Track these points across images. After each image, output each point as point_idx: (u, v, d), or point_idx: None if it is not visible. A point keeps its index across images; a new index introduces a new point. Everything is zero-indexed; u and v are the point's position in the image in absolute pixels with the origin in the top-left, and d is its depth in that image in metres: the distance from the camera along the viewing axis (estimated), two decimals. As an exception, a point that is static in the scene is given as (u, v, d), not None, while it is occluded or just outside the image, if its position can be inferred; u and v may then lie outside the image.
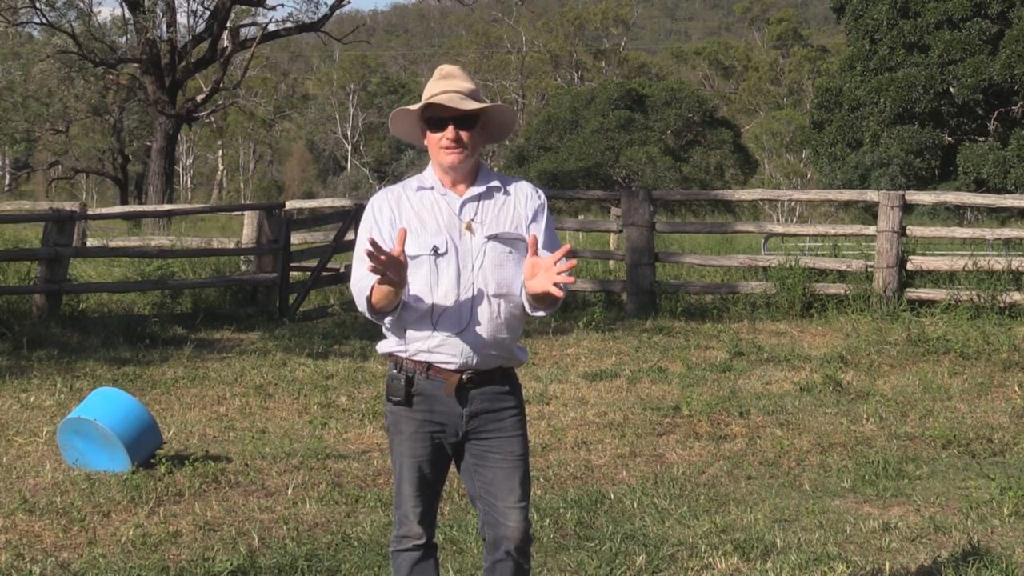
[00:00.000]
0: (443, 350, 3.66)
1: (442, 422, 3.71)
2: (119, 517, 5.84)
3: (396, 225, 3.68)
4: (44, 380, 9.31)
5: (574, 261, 3.51)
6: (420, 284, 3.64)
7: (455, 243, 3.67)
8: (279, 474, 6.61)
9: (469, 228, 3.69)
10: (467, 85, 3.71)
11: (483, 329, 3.66)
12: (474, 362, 3.67)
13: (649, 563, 5.16)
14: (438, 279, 3.65)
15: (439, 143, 3.69)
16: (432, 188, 3.73)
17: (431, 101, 3.67)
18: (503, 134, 3.87)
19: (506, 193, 3.76)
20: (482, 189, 3.73)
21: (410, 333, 3.69)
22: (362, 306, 3.66)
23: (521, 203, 3.76)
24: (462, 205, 3.71)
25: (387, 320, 3.71)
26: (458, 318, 3.65)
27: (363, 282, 3.64)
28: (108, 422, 6.55)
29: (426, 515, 3.78)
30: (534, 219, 3.75)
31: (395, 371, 3.72)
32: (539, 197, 3.79)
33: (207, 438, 7.55)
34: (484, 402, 3.71)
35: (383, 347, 3.79)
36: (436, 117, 3.69)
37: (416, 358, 3.69)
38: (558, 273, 3.47)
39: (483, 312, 3.66)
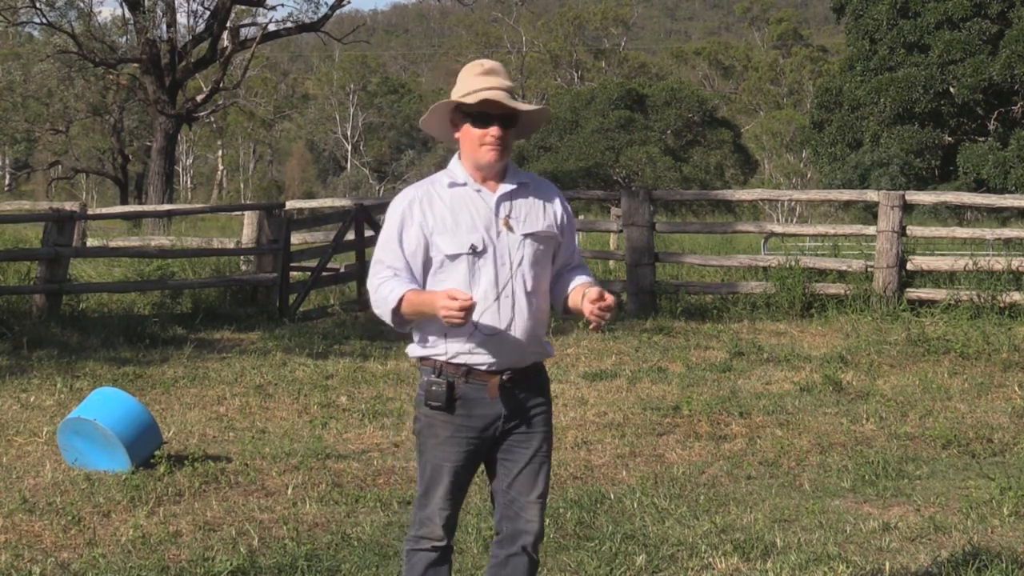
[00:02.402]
0: (484, 350, 3.60)
1: (480, 425, 3.66)
2: (119, 517, 5.83)
3: (427, 229, 3.62)
4: (44, 380, 9.30)
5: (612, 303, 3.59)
6: (458, 284, 3.58)
7: (492, 240, 3.61)
8: (279, 474, 6.60)
9: (507, 225, 3.64)
10: (509, 83, 3.66)
11: (523, 326, 3.62)
12: (514, 361, 3.63)
13: (649, 563, 5.16)
14: (477, 278, 3.60)
15: (482, 139, 3.60)
16: (465, 184, 3.66)
17: (487, 97, 3.57)
18: (527, 134, 3.84)
19: (535, 191, 3.73)
20: (514, 186, 3.69)
21: (450, 334, 3.60)
22: (386, 315, 3.61)
23: (551, 203, 3.74)
24: (498, 202, 3.65)
25: (409, 326, 3.68)
26: (498, 317, 3.60)
27: (392, 294, 3.59)
28: (108, 422, 6.55)
29: (451, 519, 3.75)
30: (563, 234, 3.77)
31: (434, 376, 3.64)
32: (566, 208, 3.79)
33: (207, 438, 7.55)
34: (520, 400, 3.69)
35: (415, 351, 3.71)
36: (483, 113, 3.60)
37: (455, 361, 3.62)
38: (592, 314, 3.56)
39: (521, 309, 3.62)
